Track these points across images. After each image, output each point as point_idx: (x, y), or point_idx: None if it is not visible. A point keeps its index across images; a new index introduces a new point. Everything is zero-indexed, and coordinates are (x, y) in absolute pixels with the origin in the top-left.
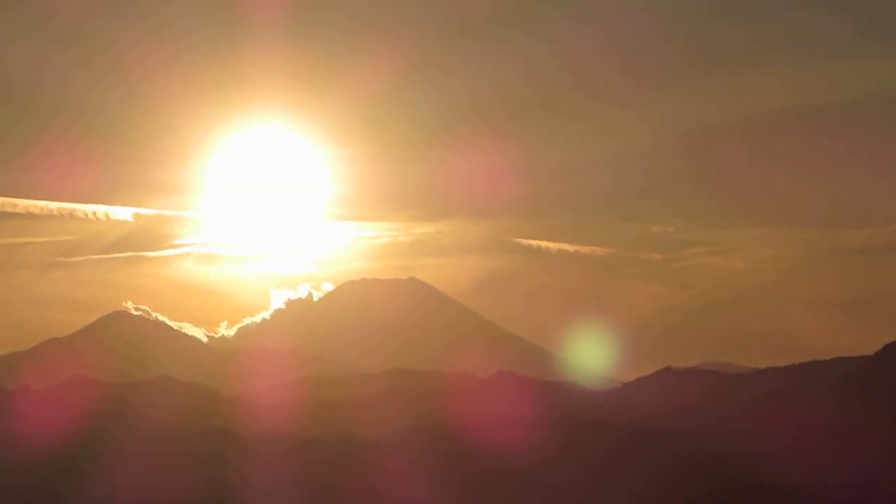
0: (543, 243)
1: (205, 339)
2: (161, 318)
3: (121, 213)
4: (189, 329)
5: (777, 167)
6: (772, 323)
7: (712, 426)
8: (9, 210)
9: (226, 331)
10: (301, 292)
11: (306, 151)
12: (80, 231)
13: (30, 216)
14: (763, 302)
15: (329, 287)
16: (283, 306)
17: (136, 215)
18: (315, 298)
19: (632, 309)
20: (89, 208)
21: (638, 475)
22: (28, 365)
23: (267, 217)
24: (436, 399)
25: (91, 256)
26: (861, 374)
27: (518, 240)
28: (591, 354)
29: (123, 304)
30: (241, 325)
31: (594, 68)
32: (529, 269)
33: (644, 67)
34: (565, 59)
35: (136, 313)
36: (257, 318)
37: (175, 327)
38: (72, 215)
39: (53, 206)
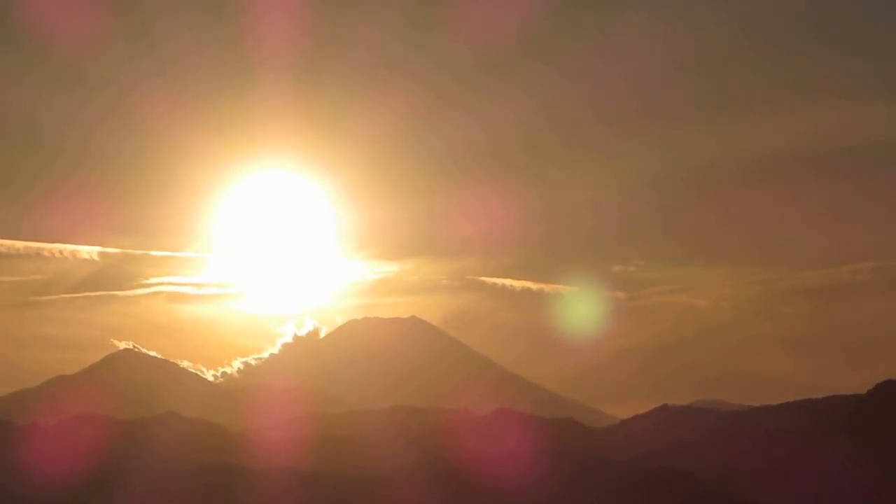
0: (507, 281)
1: (210, 377)
2: (160, 356)
3: (86, 251)
4: (190, 367)
5: (731, 211)
6: (740, 360)
7: (710, 464)
8: None
9: (229, 369)
10: (305, 329)
11: (306, 192)
12: (48, 270)
13: None
14: (728, 340)
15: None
16: (287, 344)
17: (102, 254)
18: (320, 335)
19: (599, 346)
20: (56, 247)
21: None
22: (37, 402)
23: (267, 256)
24: (437, 436)
25: (62, 295)
26: (855, 412)
27: (481, 278)
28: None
29: (122, 343)
30: (244, 362)
31: (574, 115)
32: (495, 306)
33: (615, 116)
34: (550, 107)
35: (145, 352)
36: (264, 356)
37: (181, 365)
38: (38, 254)
39: (20, 244)
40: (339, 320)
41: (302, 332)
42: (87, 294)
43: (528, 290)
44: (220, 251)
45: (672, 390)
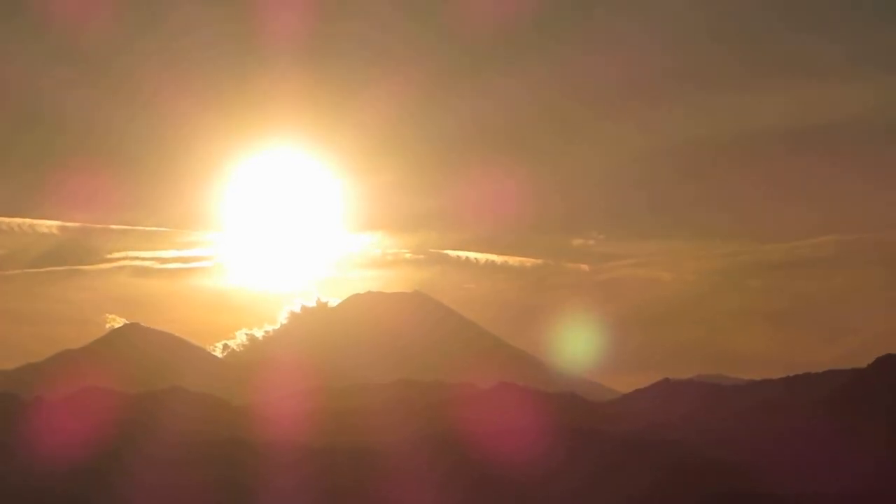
0: (471, 254)
1: (216, 351)
2: (166, 331)
3: (45, 226)
4: (194, 341)
5: (696, 187)
6: (702, 334)
7: (710, 436)
8: None
9: (233, 343)
10: (308, 303)
11: (310, 169)
12: (6, 244)
13: None
14: (695, 313)
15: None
16: (290, 318)
17: (62, 228)
18: (323, 310)
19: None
20: (14, 221)
21: (638, 484)
22: (43, 376)
23: (266, 232)
24: (440, 409)
25: (26, 270)
26: (854, 386)
27: (445, 251)
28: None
29: (111, 316)
30: (248, 335)
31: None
32: (459, 279)
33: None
34: (532, 94)
35: (149, 327)
36: (268, 330)
37: (186, 340)
38: None
39: None
40: (342, 295)
41: (305, 307)
42: (50, 269)
43: (492, 262)
44: (202, 226)
45: (667, 364)
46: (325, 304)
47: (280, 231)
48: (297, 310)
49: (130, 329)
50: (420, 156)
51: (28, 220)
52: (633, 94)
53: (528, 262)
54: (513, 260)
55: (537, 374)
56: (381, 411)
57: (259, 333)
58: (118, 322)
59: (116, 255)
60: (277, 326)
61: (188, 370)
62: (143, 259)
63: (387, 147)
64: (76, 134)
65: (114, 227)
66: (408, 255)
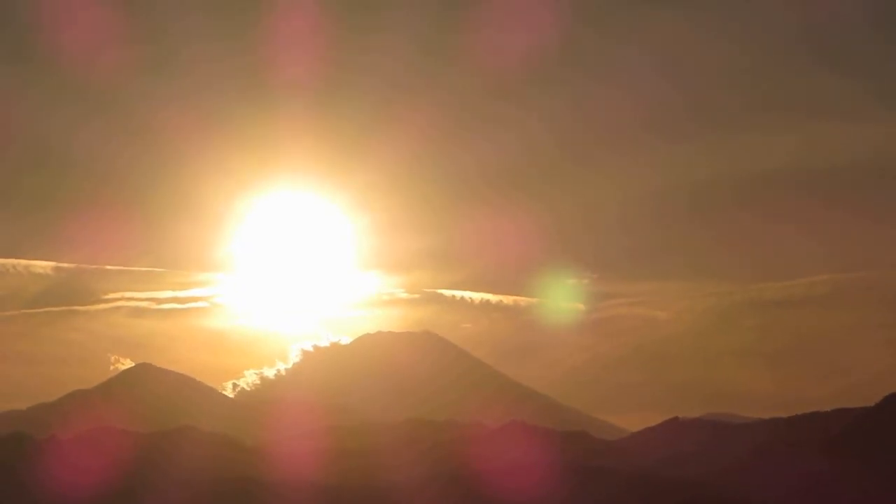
0: (466, 293)
1: (226, 391)
2: (177, 371)
3: (40, 266)
4: (205, 381)
5: (689, 229)
6: (704, 372)
7: (719, 475)
8: None
9: (244, 382)
10: (319, 343)
11: (311, 211)
12: (3, 285)
13: None
14: (694, 351)
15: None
16: (300, 358)
17: (56, 268)
18: (335, 350)
19: (566, 358)
20: (9, 262)
21: None
22: (56, 416)
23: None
24: (449, 448)
25: (23, 311)
26: (862, 425)
27: (439, 291)
28: None
29: (113, 356)
30: (259, 375)
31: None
32: (454, 318)
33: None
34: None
35: (160, 367)
36: (279, 369)
37: (197, 380)
38: None
39: None
40: (352, 334)
41: (316, 346)
42: (47, 309)
43: (488, 302)
44: (197, 266)
45: (668, 402)
46: (338, 343)
47: (276, 270)
48: (310, 349)
49: (142, 369)
50: (415, 195)
51: (23, 262)
52: (631, 136)
53: (523, 300)
54: (507, 299)
55: (547, 413)
56: (391, 450)
57: (270, 373)
58: (123, 363)
59: (112, 295)
60: (290, 365)
61: (200, 410)
62: (140, 300)
63: (388, 186)
64: (76, 175)
65: (108, 267)
66: (403, 295)
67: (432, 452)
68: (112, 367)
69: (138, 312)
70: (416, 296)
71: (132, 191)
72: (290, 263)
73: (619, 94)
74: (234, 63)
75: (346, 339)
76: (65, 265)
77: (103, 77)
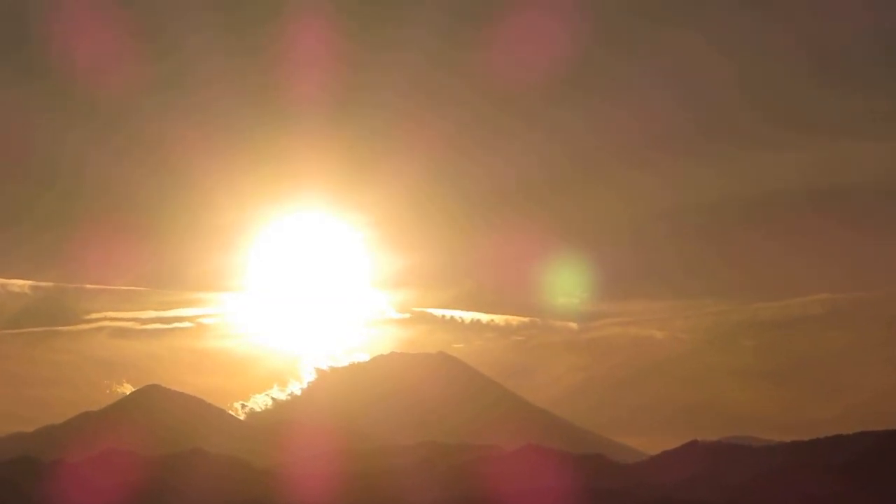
0: (456, 312)
1: (238, 414)
2: (187, 392)
3: (17, 285)
4: (216, 403)
5: (683, 247)
6: (709, 393)
7: (738, 498)
8: None
9: (253, 403)
10: (331, 365)
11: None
12: None
13: None
14: (694, 372)
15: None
16: (312, 380)
17: (34, 287)
18: (347, 371)
19: (559, 379)
20: None
21: None
22: (63, 439)
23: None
24: (464, 471)
25: (4, 331)
26: (885, 448)
27: (427, 310)
28: None
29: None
30: (271, 397)
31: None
32: (446, 338)
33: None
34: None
35: (170, 388)
36: (290, 391)
37: (207, 401)
38: None
39: None
40: (365, 356)
41: (327, 368)
42: (28, 330)
43: (478, 321)
44: (180, 285)
45: (680, 424)
46: (354, 362)
47: (285, 288)
48: (325, 368)
49: (151, 391)
50: (400, 213)
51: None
52: (630, 155)
53: (515, 319)
54: (499, 318)
55: (564, 436)
56: (404, 473)
57: (281, 394)
58: (123, 385)
59: (94, 315)
60: (305, 385)
61: (210, 432)
62: (123, 319)
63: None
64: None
65: (88, 286)
66: (396, 315)
67: (446, 476)
68: (108, 391)
69: (121, 333)
70: (407, 315)
71: (127, 209)
72: (298, 281)
73: (629, 112)
74: (246, 81)
75: (363, 357)
76: (43, 284)
77: (105, 91)
